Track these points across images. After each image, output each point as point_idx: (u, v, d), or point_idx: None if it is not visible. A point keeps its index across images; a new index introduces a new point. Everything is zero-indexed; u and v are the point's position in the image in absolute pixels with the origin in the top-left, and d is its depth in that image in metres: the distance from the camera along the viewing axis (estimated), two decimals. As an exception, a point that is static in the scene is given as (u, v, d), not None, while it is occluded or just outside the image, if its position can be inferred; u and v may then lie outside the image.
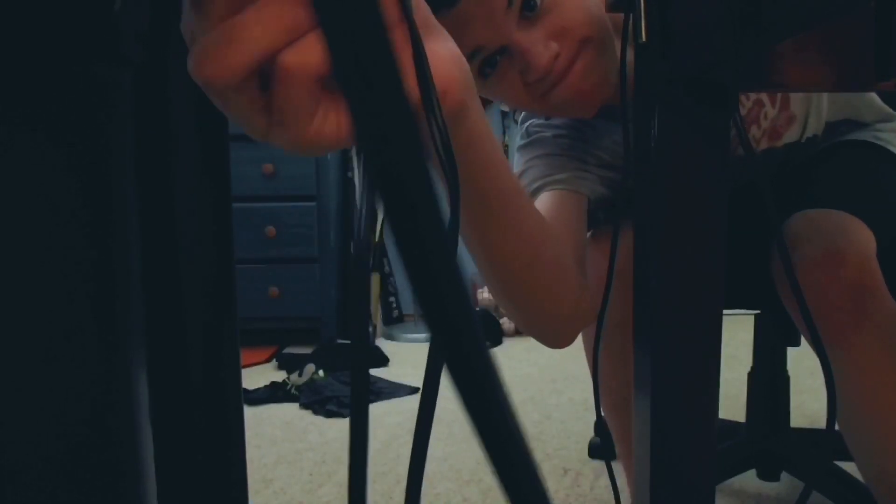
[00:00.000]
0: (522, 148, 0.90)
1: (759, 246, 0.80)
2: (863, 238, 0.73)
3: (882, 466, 0.69)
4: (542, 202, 0.80)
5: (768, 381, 1.25)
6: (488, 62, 0.70)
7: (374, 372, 2.29)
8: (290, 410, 1.91)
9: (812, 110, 0.91)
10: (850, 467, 0.91)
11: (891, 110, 0.98)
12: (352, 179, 2.90)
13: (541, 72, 0.68)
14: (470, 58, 0.68)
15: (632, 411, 0.87)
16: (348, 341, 2.77)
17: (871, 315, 0.67)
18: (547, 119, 0.89)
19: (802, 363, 1.45)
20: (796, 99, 0.89)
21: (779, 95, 0.88)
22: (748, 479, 1.32)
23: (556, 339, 0.69)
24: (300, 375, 2.10)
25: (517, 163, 0.89)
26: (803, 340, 1.03)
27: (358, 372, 0.24)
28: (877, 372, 0.67)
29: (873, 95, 0.97)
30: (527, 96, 0.71)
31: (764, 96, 0.86)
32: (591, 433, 1.52)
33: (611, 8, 0.61)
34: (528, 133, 0.91)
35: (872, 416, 0.68)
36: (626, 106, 0.61)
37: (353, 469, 0.23)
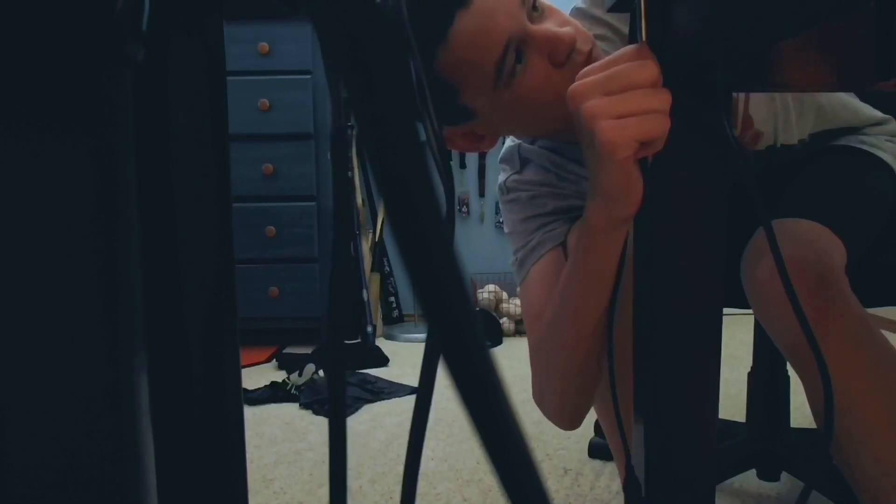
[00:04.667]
0: (504, 204, 1.00)
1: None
2: (827, 247, 0.73)
3: (862, 473, 0.68)
4: (535, 274, 0.92)
5: (768, 381, 1.25)
6: (517, 56, 0.72)
7: (374, 372, 2.29)
8: (290, 410, 1.91)
9: (780, 125, 0.90)
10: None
11: (881, 114, 0.98)
12: (352, 179, 2.90)
13: (568, 43, 0.71)
14: (504, 55, 0.71)
15: (619, 399, 0.88)
16: (349, 341, 2.78)
17: (835, 322, 0.66)
18: (521, 173, 0.96)
19: (802, 363, 1.45)
20: (760, 116, 0.89)
21: (741, 115, 0.88)
22: (748, 479, 1.32)
23: (570, 426, 0.86)
24: (300, 375, 2.10)
25: (504, 218, 1.01)
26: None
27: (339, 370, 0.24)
28: (845, 379, 0.65)
29: (859, 105, 0.97)
30: (559, 79, 0.73)
31: None
32: (591, 433, 1.52)
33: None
34: (507, 189, 0.98)
35: (846, 421, 0.67)
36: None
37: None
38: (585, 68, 0.58)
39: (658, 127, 0.53)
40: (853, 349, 0.66)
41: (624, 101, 0.53)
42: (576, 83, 0.56)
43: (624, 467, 0.95)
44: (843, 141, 0.94)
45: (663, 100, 0.53)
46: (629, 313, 0.65)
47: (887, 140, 0.95)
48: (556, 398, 0.84)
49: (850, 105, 0.95)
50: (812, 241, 0.73)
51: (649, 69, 0.53)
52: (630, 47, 0.55)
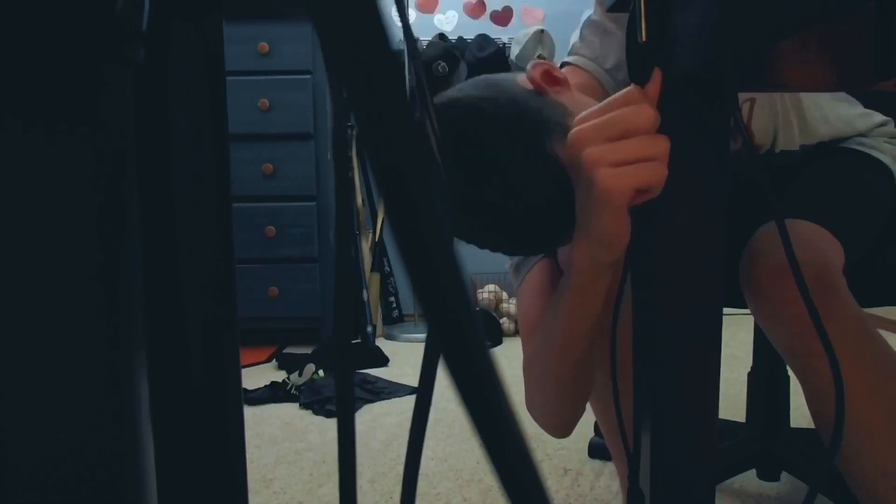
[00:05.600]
0: None
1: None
2: (825, 247, 0.73)
3: (862, 474, 0.68)
4: (527, 286, 0.95)
5: (768, 381, 1.25)
6: None
7: (374, 372, 2.29)
8: (290, 410, 1.91)
9: (780, 136, 0.91)
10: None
11: (882, 117, 0.97)
12: (352, 179, 2.90)
13: None
14: None
15: (616, 402, 0.89)
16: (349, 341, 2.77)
17: (833, 323, 0.66)
18: None
19: (802, 363, 1.45)
20: (761, 130, 0.89)
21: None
22: (748, 479, 1.32)
23: (562, 435, 0.88)
24: (300, 375, 2.10)
25: None
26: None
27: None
28: (844, 380, 0.66)
29: (861, 114, 0.96)
30: None
31: None
32: (591, 433, 1.52)
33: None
34: None
35: (846, 423, 0.67)
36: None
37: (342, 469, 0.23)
38: (584, 112, 0.57)
39: (656, 175, 0.53)
40: (852, 350, 0.66)
41: (623, 148, 0.53)
42: (576, 129, 0.56)
43: (623, 468, 0.96)
44: (843, 143, 0.95)
45: (662, 147, 0.53)
46: (629, 314, 0.65)
47: (886, 142, 0.95)
48: (546, 411, 0.85)
49: (852, 121, 0.95)
50: (810, 241, 0.73)
51: (647, 114, 0.53)
52: (627, 91, 0.54)
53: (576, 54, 0.91)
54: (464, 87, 0.71)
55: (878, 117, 0.97)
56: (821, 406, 0.70)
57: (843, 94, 0.98)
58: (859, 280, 0.88)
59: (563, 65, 0.93)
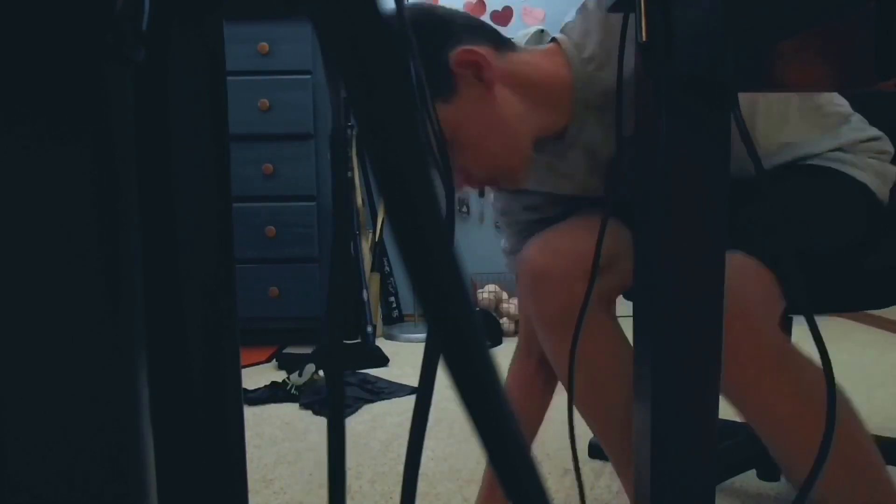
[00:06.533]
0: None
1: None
2: (740, 282, 0.72)
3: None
4: None
5: (768, 381, 1.25)
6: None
7: (374, 372, 2.29)
8: (290, 410, 1.91)
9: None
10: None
11: (874, 132, 0.92)
12: (352, 179, 2.90)
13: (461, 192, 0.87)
14: None
15: (611, 394, 0.90)
16: (349, 341, 2.78)
17: (752, 355, 0.69)
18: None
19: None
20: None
21: None
22: (748, 479, 1.32)
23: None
24: (300, 375, 2.10)
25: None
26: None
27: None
28: (768, 411, 0.70)
29: (855, 127, 0.92)
30: None
31: None
32: (591, 433, 1.52)
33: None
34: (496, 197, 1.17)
35: (773, 438, 0.73)
36: (620, 107, 0.64)
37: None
38: None
39: None
40: (770, 379, 0.70)
41: None
42: None
43: (621, 471, 0.96)
44: (816, 160, 0.90)
45: None
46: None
47: (871, 157, 0.90)
48: None
49: (822, 143, 0.91)
50: (734, 274, 0.72)
51: None
52: None
53: (563, 33, 0.92)
54: (419, 10, 0.83)
55: (870, 132, 0.92)
56: (780, 460, 0.74)
57: (835, 117, 0.92)
58: (846, 285, 0.88)
59: (552, 39, 0.94)
